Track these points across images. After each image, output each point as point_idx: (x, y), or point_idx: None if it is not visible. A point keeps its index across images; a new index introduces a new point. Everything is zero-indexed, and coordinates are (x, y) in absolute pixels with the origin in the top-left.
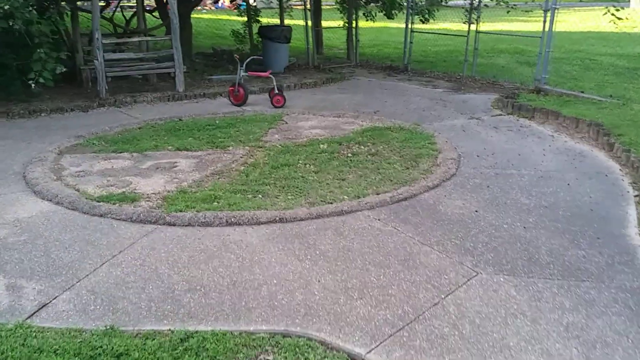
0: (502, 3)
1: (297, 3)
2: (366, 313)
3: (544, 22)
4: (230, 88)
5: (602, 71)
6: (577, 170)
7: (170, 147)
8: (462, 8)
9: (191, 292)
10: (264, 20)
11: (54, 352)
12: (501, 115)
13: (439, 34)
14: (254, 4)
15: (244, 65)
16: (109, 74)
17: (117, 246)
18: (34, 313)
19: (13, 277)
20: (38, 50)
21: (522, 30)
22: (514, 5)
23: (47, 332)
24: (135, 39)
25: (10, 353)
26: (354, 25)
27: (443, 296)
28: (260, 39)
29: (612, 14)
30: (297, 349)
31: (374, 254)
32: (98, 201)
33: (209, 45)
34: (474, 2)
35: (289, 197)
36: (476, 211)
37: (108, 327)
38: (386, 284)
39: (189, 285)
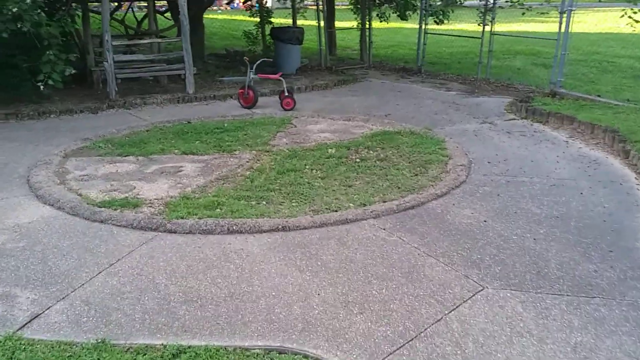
0: (517, 5)
1: (311, 4)
2: (366, 329)
3: (560, 23)
4: (240, 90)
5: (620, 74)
6: (591, 178)
7: (176, 151)
8: (477, 9)
9: (187, 303)
10: (278, 20)
11: None
12: (515, 119)
13: (452, 35)
14: (267, 5)
15: (254, 68)
16: (118, 76)
17: (116, 254)
18: (26, 324)
19: (8, 285)
20: (47, 52)
21: (538, 32)
22: (530, 6)
23: (37, 344)
24: (146, 41)
25: None
26: (367, 26)
27: (446, 312)
28: (272, 41)
29: (630, 17)
30: None
31: (377, 265)
32: (100, 206)
33: (222, 46)
34: (489, 3)
35: (293, 204)
36: (485, 221)
37: (99, 341)
38: (388, 298)
39: (186, 296)
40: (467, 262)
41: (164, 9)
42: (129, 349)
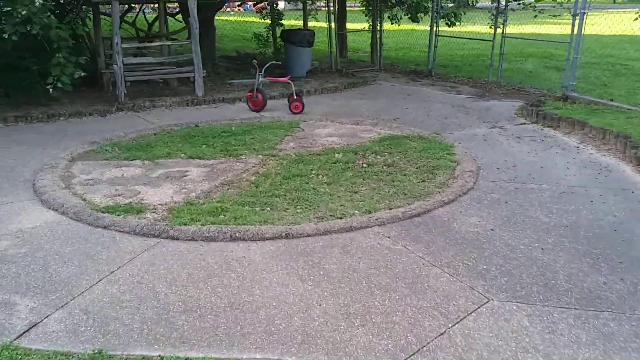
0: (529, 7)
1: (324, 6)
2: (367, 342)
3: (573, 26)
4: (249, 93)
5: (634, 77)
6: (602, 185)
7: (182, 155)
8: (488, 11)
9: (186, 313)
10: (289, 22)
11: None
12: (525, 124)
13: (463, 37)
14: (277, 7)
15: (263, 70)
16: (128, 79)
17: (117, 261)
18: (24, 333)
19: (8, 292)
20: (57, 55)
21: (551, 34)
22: (542, 9)
23: (34, 355)
24: (156, 43)
25: None
26: (378, 28)
27: (450, 325)
28: (282, 43)
29: None
30: None
31: (380, 275)
32: (103, 212)
33: (233, 48)
34: (500, 5)
35: (298, 211)
36: (492, 230)
37: (96, 352)
38: (391, 309)
39: (185, 306)
40: (473, 272)
41: (175, 11)
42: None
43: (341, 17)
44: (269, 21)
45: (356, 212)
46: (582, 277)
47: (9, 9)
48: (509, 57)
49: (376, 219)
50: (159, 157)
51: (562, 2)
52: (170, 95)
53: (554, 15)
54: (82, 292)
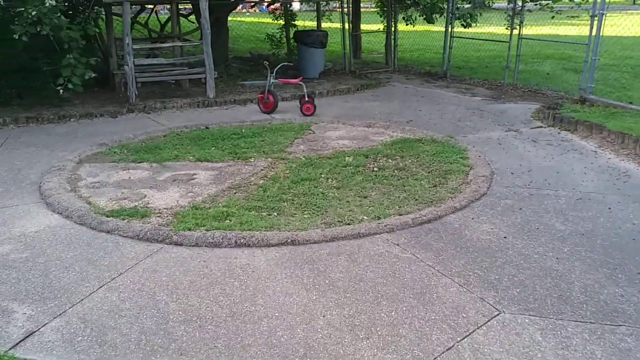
0: (546, 7)
1: (338, 7)
2: (371, 356)
3: (591, 27)
4: (260, 95)
5: None
6: (620, 192)
7: (191, 158)
8: (505, 12)
9: (186, 323)
10: (303, 23)
11: None
12: (541, 127)
13: (478, 39)
14: (291, 8)
15: (274, 72)
16: (139, 79)
17: (119, 267)
18: (19, 342)
19: (6, 299)
20: (67, 56)
21: (569, 35)
22: (560, 10)
23: None
24: (167, 44)
25: None
26: (393, 29)
27: (459, 339)
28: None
29: None
30: None
31: (388, 285)
32: (108, 216)
33: (247, 49)
34: (517, 6)
35: (305, 216)
36: (505, 237)
37: None
38: (397, 321)
39: (185, 315)
40: (484, 282)
41: (188, 12)
42: None
43: (355, 18)
44: (282, 22)
45: (365, 218)
46: (598, 288)
47: (21, 9)
48: (526, 58)
49: (385, 225)
50: (167, 160)
51: (581, 3)
52: (181, 96)
53: (572, 16)
54: (82, 300)
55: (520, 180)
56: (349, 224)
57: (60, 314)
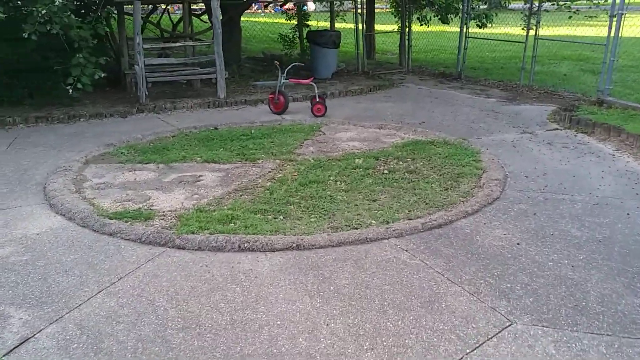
0: (563, 8)
1: (353, 7)
2: None
3: (610, 27)
4: (270, 96)
5: None
6: (639, 197)
7: (198, 159)
8: (521, 12)
9: (185, 331)
10: (316, 24)
11: None
12: (557, 129)
13: (494, 39)
14: (306, 7)
15: (285, 72)
16: (149, 79)
17: (119, 271)
18: (13, 349)
19: (3, 303)
20: (77, 55)
21: (586, 36)
22: (577, 9)
23: None
24: (178, 44)
25: None
26: (407, 29)
27: (468, 351)
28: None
29: None
30: None
31: (395, 292)
32: (111, 218)
33: (260, 49)
34: (534, 6)
35: (312, 220)
36: (518, 244)
37: None
38: (404, 331)
39: (184, 322)
40: (495, 291)
41: (201, 11)
42: None
43: (369, 18)
44: (295, 22)
45: (373, 222)
46: (616, 298)
47: (32, 8)
48: (542, 59)
49: (394, 230)
50: (174, 161)
51: (599, 3)
52: (192, 96)
53: (590, 17)
54: (79, 305)
55: (535, 184)
56: (356, 229)
57: (56, 320)
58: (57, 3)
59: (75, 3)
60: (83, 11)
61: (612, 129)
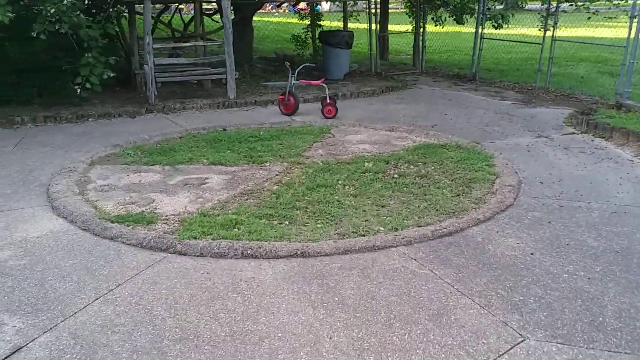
0: (582, 8)
1: (366, 7)
2: None
3: (630, 29)
4: (280, 97)
5: None
6: None
7: (205, 161)
8: (538, 13)
9: (182, 342)
10: (329, 24)
11: None
12: (574, 134)
13: (510, 40)
14: (319, 8)
15: (296, 73)
16: (159, 79)
17: (118, 278)
18: (4, 359)
19: None
20: (86, 55)
21: (605, 38)
22: (596, 10)
23: None
24: (190, 44)
25: None
26: (421, 30)
27: None
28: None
29: None
30: None
31: (402, 304)
32: (113, 221)
33: (273, 49)
34: (551, 7)
35: (318, 226)
36: (532, 254)
37: None
38: (410, 346)
39: (182, 333)
40: (507, 304)
41: (212, 11)
42: None
43: (383, 18)
44: (308, 22)
45: (381, 228)
46: (634, 313)
47: (41, 7)
48: (560, 61)
49: (402, 238)
50: (180, 163)
51: (619, 4)
52: (202, 97)
53: (609, 18)
54: (75, 313)
55: (550, 190)
56: (363, 235)
57: (51, 328)
58: (65, 2)
59: (85, 2)
60: (93, 10)
61: (631, 134)
